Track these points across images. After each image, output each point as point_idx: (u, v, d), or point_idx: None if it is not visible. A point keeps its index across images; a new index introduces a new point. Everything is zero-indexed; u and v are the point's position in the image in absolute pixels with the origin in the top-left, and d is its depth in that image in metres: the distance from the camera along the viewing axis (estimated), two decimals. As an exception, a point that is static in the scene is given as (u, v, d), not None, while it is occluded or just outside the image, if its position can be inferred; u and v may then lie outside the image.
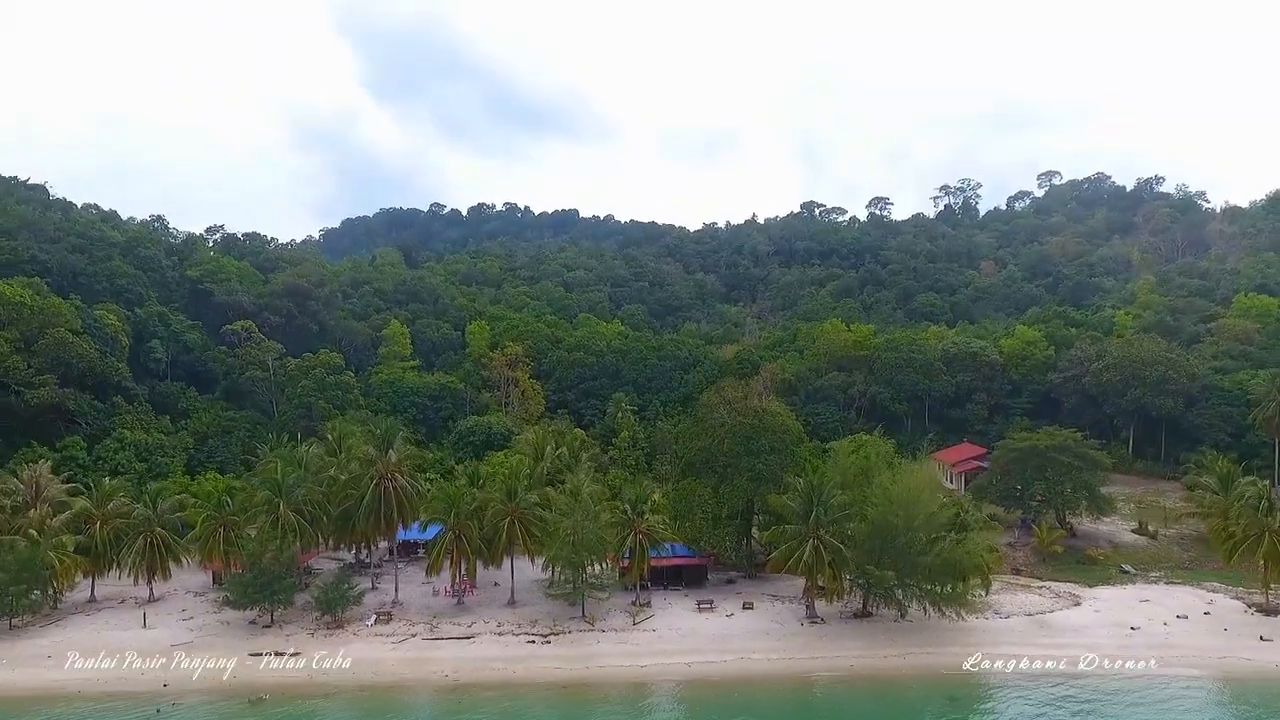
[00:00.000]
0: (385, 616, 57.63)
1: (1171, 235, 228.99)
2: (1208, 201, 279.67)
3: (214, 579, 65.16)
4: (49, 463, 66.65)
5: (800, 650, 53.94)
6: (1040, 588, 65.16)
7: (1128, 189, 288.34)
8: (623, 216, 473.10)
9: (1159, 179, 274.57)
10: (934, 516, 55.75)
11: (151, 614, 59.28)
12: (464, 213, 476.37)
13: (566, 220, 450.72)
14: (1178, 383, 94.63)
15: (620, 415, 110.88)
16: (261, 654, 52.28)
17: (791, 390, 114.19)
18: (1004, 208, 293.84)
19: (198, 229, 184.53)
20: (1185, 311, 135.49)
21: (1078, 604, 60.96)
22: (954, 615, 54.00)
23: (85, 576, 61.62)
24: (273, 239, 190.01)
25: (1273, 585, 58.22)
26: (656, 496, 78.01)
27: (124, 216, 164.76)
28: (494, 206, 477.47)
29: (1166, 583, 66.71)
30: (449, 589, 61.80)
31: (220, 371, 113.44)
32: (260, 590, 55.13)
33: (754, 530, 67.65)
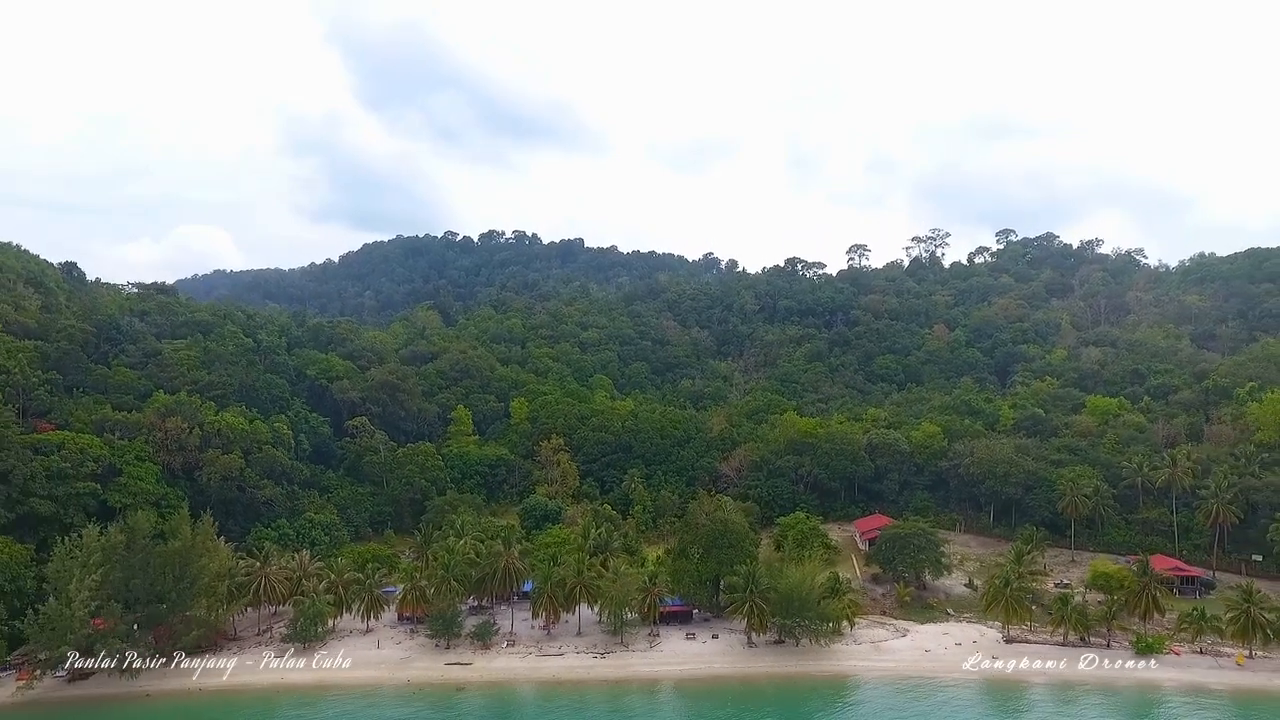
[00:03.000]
0: (511, 642, 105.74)
1: (1097, 302, 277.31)
2: (1145, 258, 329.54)
3: (399, 617, 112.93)
4: (307, 551, 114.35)
5: (742, 662, 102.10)
6: (890, 625, 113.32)
7: (1074, 246, 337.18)
8: (622, 239, 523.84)
9: (1099, 240, 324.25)
10: (820, 586, 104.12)
11: (375, 640, 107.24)
12: (475, 239, 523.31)
13: (572, 249, 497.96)
14: (1017, 476, 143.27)
15: (634, 488, 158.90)
16: (451, 664, 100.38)
17: (758, 468, 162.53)
18: (965, 263, 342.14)
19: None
20: (1063, 399, 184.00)
21: (905, 635, 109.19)
22: (825, 643, 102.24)
23: (330, 618, 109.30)
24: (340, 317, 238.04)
25: (1009, 625, 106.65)
26: (660, 552, 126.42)
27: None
28: (503, 234, 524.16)
29: (967, 622, 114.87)
30: (543, 625, 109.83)
31: (341, 454, 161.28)
32: (446, 627, 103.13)
33: (721, 588, 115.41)
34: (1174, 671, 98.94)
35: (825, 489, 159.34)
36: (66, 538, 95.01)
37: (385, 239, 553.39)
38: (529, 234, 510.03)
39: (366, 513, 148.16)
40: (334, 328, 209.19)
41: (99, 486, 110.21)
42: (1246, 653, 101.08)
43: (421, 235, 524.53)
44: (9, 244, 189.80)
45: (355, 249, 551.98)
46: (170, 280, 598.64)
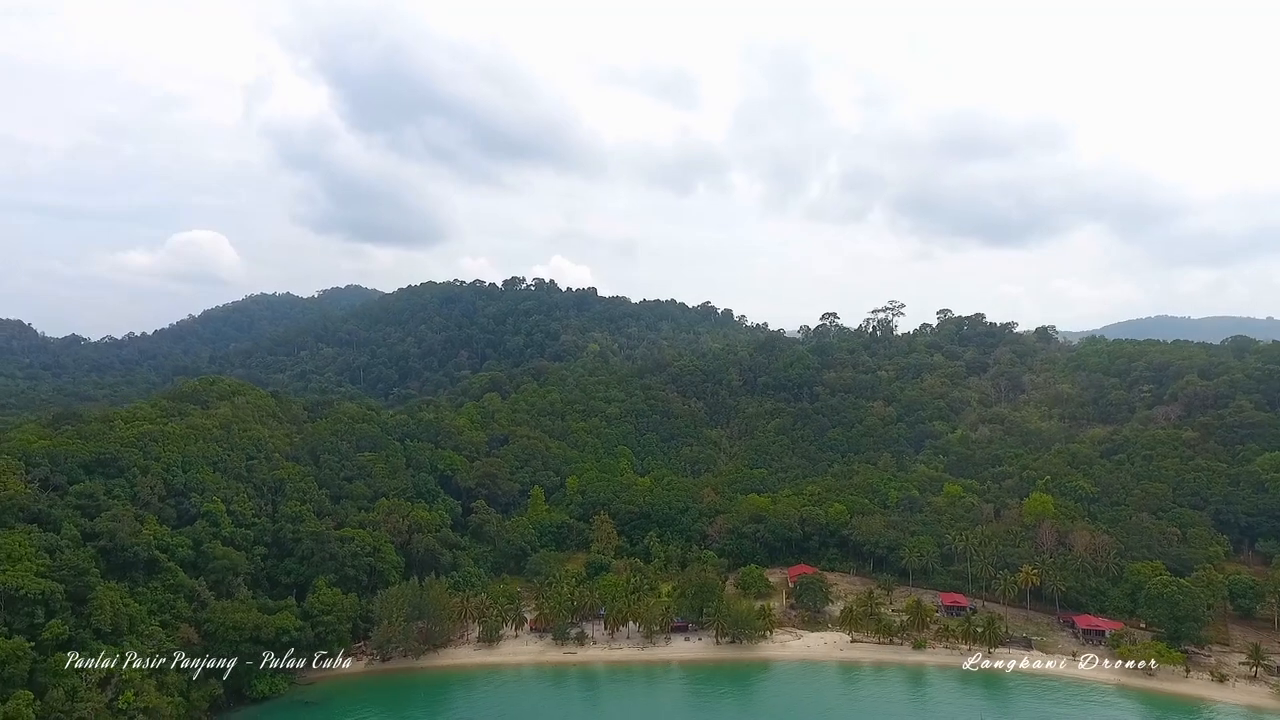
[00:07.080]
0: (594, 642, 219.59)
1: (1000, 383, 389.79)
2: (1056, 332, 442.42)
3: (530, 628, 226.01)
4: (484, 593, 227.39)
5: (713, 653, 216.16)
6: (794, 633, 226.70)
7: (998, 324, 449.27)
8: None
9: (1014, 324, 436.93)
10: (754, 612, 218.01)
11: (523, 641, 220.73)
12: (500, 285, 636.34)
13: (587, 299, 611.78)
14: (883, 542, 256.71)
15: (652, 544, 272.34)
16: (565, 653, 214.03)
17: (731, 531, 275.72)
18: (911, 333, 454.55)
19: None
20: (935, 482, 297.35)
21: (800, 639, 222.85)
22: (756, 643, 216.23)
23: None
24: (427, 401, 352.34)
25: (853, 632, 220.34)
26: (669, 588, 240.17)
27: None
28: (523, 280, 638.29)
29: (835, 631, 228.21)
30: (609, 633, 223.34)
31: (466, 523, 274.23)
32: (561, 634, 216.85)
33: (703, 612, 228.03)
34: (932, 658, 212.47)
35: (773, 546, 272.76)
36: (378, 590, 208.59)
37: (416, 283, 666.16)
38: (547, 281, 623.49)
39: (489, 563, 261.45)
40: (438, 424, 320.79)
41: (372, 559, 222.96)
42: (968, 648, 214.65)
43: (452, 281, 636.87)
44: (246, 384, 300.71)
45: (390, 291, 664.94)
46: (211, 306, 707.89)
